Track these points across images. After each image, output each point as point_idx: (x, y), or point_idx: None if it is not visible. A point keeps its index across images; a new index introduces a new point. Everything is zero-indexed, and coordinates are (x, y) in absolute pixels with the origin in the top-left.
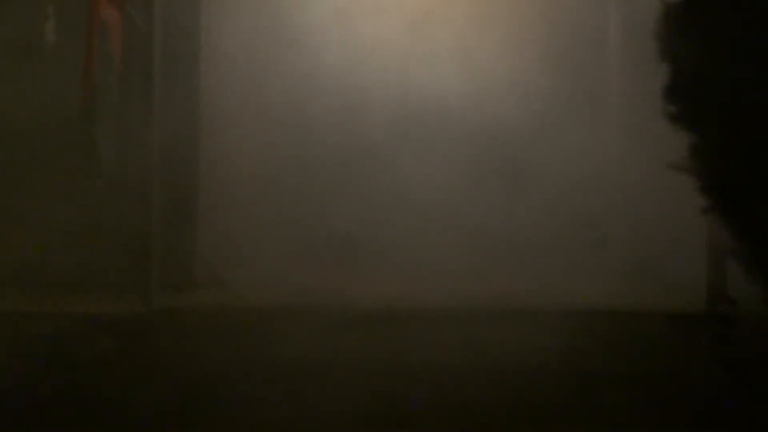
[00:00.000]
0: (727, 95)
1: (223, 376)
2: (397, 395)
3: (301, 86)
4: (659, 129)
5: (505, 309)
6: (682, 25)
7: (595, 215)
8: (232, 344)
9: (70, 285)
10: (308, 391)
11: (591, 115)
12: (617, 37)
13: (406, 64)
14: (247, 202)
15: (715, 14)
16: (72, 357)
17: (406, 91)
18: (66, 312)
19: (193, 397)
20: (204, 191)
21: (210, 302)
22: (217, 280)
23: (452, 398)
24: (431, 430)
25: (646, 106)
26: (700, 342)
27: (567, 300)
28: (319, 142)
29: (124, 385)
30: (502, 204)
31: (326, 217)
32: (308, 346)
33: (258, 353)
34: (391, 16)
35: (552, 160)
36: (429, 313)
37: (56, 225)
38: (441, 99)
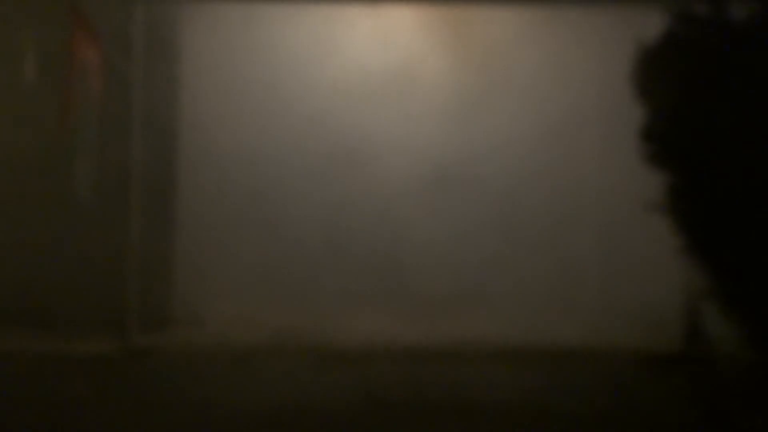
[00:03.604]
0: (703, 136)
1: (201, 418)
2: None
3: (280, 125)
4: (637, 170)
5: (480, 349)
6: (658, 67)
7: (573, 255)
8: (210, 386)
9: (46, 323)
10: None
11: (568, 157)
12: (595, 74)
13: (393, 104)
14: (225, 240)
15: (692, 57)
16: (46, 399)
17: (391, 125)
18: (40, 351)
19: None
20: (181, 229)
21: (186, 341)
22: (193, 319)
23: None
24: None
25: (623, 148)
26: (676, 383)
27: (542, 339)
28: (297, 182)
29: (100, 427)
30: (479, 245)
31: (305, 257)
32: (286, 387)
33: (236, 395)
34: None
35: (530, 201)
36: (406, 351)
37: (32, 262)
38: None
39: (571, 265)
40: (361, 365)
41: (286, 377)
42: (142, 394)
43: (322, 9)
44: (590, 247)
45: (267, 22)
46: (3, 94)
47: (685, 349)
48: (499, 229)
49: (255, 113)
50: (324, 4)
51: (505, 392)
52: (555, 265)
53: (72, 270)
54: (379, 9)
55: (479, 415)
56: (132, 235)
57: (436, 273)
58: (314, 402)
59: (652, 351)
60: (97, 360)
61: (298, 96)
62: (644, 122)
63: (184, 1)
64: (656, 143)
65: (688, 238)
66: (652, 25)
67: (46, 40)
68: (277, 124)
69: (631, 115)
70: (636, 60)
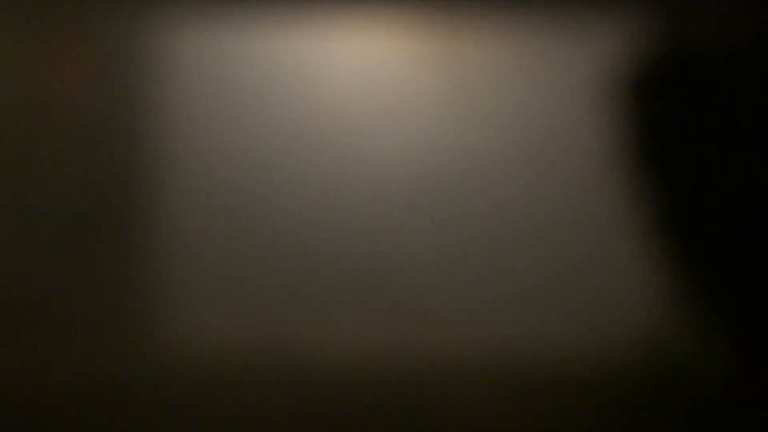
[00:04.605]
0: (687, 157)
1: (176, 427)
2: None
3: (265, 139)
4: (622, 186)
5: (461, 360)
6: (651, 89)
7: (557, 270)
8: (187, 395)
9: (15, 339)
10: None
11: (555, 172)
12: (583, 96)
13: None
14: (208, 250)
15: (685, 79)
16: (15, 414)
17: (375, 136)
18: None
19: None
20: (163, 240)
21: (167, 351)
22: (174, 329)
23: None
24: None
25: (611, 165)
26: (655, 401)
27: (525, 354)
28: (283, 194)
29: None
30: (464, 258)
31: (289, 267)
32: (264, 397)
33: (213, 404)
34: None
35: (517, 215)
36: (388, 361)
37: (11, 270)
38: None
39: (556, 280)
40: (342, 375)
41: (264, 387)
42: (120, 403)
43: (310, 30)
44: (576, 262)
45: (255, 39)
46: None
47: (667, 364)
48: (485, 242)
49: (240, 128)
50: (312, 26)
51: (481, 407)
52: (539, 279)
53: (51, 279)
54: (366, 29)
55: (460, 427)
56: (111, 247)
57: (421, 284)
58: (291, 412)
59: (628, 378)
60: (71, 370)
61: (284, 111)
62: (628, 141)
63: (170, 18)
64: (641, 162)
65: (674, 255)
66: (632, 50)
67: (26, 52)
68: (263, 138)
69: (614, 136)
70: (619, 82)
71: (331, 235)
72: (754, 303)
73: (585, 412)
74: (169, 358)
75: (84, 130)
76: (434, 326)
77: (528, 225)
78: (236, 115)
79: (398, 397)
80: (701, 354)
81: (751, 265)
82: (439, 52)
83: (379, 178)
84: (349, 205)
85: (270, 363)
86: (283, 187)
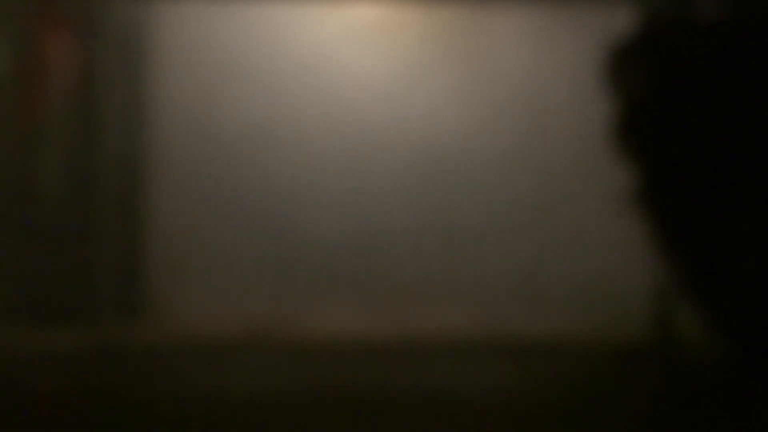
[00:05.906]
0: (678, 130)
1: (171, 407)
2: None
3: (255, 119)
4: (613, 165)
5: (447, 340)
6: (635, 61)
7: (546, 248)
8: (180, 377)
9: (15, 316)
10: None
11: (545, 152)
12: (582, 75)
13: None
14: (197, 232)
15: (669, 51)
16: (16, 394)
17: (371, 114)
18: (6, 345)
19: None
20: (155, 217)
21: (158, 333)
22: (165, 311)
23: None
24: None
25: (601, 144)
26: (645, 380)
27: (511, 331)
28: (270, 175)
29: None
30: (451, 237)
31: (276, 247)
32: (254, 379)
33: (204, 386)
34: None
35: (506, 193)
36: (375, 341)
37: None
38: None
39: (544, 258)
40: (329, 356)
41: (254, 369)
42: (115, 387)
43: (304, 9)
44: (563, 241)
45: (246, 19)
46: None
47: (656, 343)
48: (474, 220)
49: (231, 108)
50: (306, 5)
51: (470, 385)
52: (527, 257)
53: (41, 263)
54: (364, 8)
55: (445, 407)
56: (103, 229)
57: (407, 263)
58: (282, 393)
59: (622, 344)
60: (69, 353)
61: (275, 92)
62: (617, 118)
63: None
64: (630, 138)
65: (661, 232)
66: (627, 24)
67: (13, 34)
68: (252, 118)
69: (615, 106)
70: (609, 56)
71: (324, 217)
72: (742, 284)
73: (574, 385)
74: (166, 338)
75: (74, 107)
76: (428, 305)
77: (521, 205)
78: (230, 94)
79: (391, 373)
80: (688, 334)
81: (739, 243)
82: (441, 23)
83: (375, 157)
84: (345, 184)
85: (263, 341)
86: (277, 169)
